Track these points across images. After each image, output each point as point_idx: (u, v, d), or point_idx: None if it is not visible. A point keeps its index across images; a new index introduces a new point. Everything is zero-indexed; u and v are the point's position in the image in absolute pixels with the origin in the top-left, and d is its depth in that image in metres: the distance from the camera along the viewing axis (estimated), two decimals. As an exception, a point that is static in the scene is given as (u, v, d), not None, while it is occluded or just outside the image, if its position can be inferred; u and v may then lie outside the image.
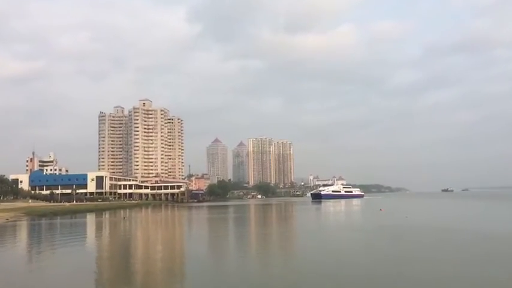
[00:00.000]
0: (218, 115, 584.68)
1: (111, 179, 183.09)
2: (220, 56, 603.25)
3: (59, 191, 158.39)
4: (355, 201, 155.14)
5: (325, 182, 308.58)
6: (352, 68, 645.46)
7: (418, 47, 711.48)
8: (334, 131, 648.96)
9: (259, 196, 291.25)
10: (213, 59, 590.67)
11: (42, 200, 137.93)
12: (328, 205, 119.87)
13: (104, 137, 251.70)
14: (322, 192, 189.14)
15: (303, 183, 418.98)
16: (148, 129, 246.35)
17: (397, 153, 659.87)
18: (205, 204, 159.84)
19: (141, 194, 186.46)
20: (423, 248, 27.75)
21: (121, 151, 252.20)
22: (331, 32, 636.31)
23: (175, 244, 36.72)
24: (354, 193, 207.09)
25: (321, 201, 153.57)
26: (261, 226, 54.38)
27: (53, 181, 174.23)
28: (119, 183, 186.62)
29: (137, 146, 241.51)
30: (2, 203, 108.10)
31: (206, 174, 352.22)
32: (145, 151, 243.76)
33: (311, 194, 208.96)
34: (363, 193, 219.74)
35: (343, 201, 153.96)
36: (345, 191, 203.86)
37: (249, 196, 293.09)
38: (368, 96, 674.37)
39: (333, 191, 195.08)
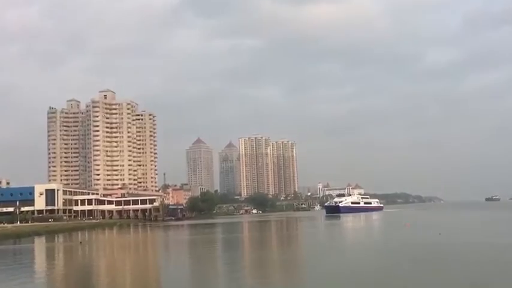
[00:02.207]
0: (201, 108, 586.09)
1: (64, 192, 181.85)
2: (204, 33, 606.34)
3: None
4: (375, 215, 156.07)
5: (339, 192, 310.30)
6: (373, 45, 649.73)
7: (456, 18, 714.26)
8: (349, 126, 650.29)
9: (254, 211, 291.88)
10: (195, 37, 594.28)
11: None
12: (349, 220, 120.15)
13: (54, 139, 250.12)
14: (340, 205, 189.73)
15: (309, 194, 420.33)
16: (112, 128, 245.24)
17: (430, 152, 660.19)
18: (185, 222, 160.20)
19: (103, 211, 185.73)
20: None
21: (77, 157, 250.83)
22: (346, 1, 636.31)
23: (147, 277, 36.45)
24: (372, 205, 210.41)
25: (339, 216, 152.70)
26: (260, 250, 54.11)
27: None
28: (75, 197, 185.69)
29: (97, 150, 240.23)
30: None
31: (186, 184, 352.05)
32: (108, 156, 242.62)
33: (325, 206, 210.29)
34: (382, 205, 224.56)
35: (362, 215, 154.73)
36: (364, 203, 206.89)
37: (241, 211, 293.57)
38: (394, 80, 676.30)
39: (352, 203, 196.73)
